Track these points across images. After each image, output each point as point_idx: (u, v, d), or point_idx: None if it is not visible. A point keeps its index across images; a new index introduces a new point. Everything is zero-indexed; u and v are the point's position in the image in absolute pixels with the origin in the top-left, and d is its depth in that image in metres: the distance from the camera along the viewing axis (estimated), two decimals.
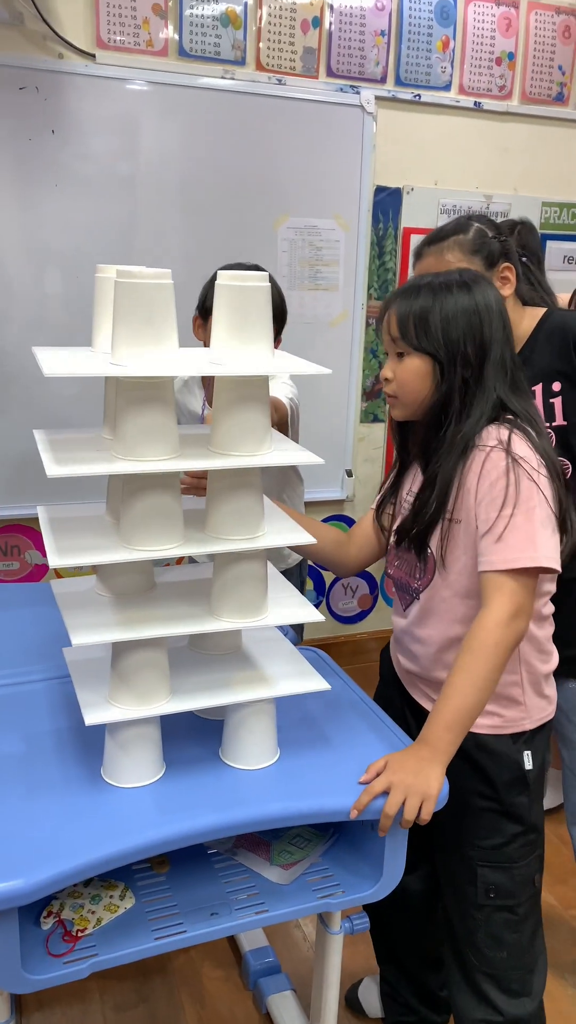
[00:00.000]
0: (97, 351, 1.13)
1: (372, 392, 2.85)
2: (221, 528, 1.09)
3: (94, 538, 1.09)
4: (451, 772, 1.15)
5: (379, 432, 2.91)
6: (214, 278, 1.74)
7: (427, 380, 1.22)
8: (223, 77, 2.45)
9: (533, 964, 1.35)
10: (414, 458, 1.35)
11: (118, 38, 2.33)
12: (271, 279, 1.69)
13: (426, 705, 1.36)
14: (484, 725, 1.28)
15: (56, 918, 1.11)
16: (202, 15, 2.39)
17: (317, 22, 2.51)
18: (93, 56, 2.32)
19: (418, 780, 1.10)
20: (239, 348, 1.03)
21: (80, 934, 1.10)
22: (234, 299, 1.03)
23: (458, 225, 1.54)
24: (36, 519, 2.58)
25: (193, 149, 2.45)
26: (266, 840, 1.29)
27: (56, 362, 1.02)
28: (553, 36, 2.76)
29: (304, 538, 1.12)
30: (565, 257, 2.95)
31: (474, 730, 1.25)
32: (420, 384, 1.22)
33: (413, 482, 1.34)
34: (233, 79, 2.46)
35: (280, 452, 1.09)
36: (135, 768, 1.12)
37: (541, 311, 1.59)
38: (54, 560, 1.00)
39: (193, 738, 1.23)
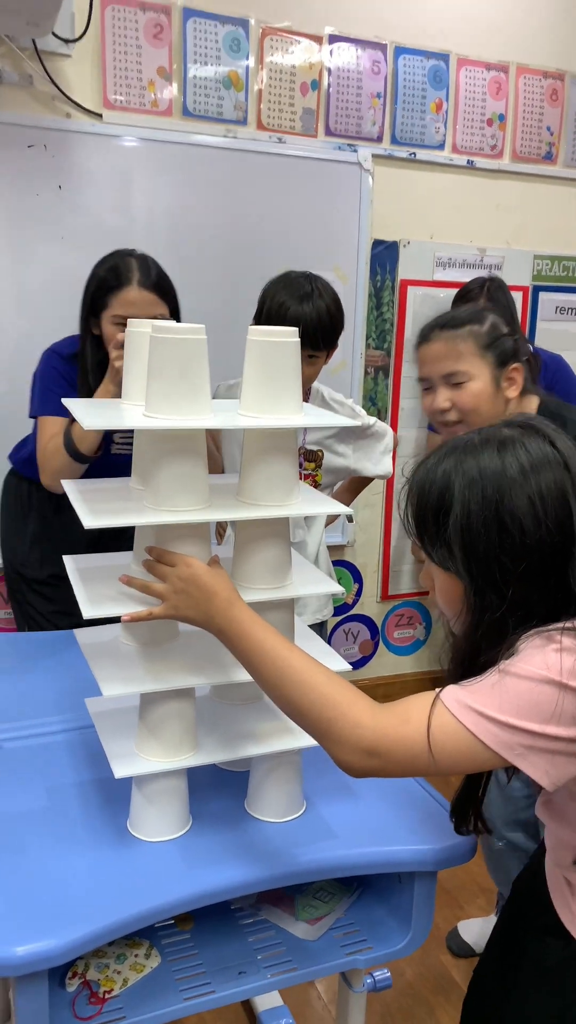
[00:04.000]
0: (127, 402, 1.14)
1: None
2: (248, 578, 1.10)
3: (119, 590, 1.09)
4: (540, 973, 1.05)
5: None
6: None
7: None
8: (225, 136, 2.52)
9: None
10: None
11: (124, 98, 2.40)
12: (329, 288, 1.75)
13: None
14: None
15: (81, 979, 1.08)
16: (205, 77, 2.47)
17: (316, 84, 2.60)
18: (100, 116, 2.39)
19: (181, 603, 0.99)
20: (269, 401, 1.05)
21: (107, 996, 1.07)
22: (264, 354, 1.05)
23: (473, 315, 1.49)
24: None
25: (196, 204, 2.51)
26: (289, 895, 1.27)
27: (93, 415, 1.03)
28: (541, 98, 2.87)
29: (331, 587, 1.13)
30: (557, 308, 3.03)
31: None
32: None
33: None
34: (235, 138, 2.53)
35: (308, 502, 1.10)
36: (162, 821, 1.10)
37: (535, 401, 1.53)
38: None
39: (217, 789, 1.22)
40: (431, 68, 2.71)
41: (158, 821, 1.10)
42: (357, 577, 3.01)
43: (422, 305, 2.83)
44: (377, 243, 2.76)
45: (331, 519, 2.12)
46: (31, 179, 2.33)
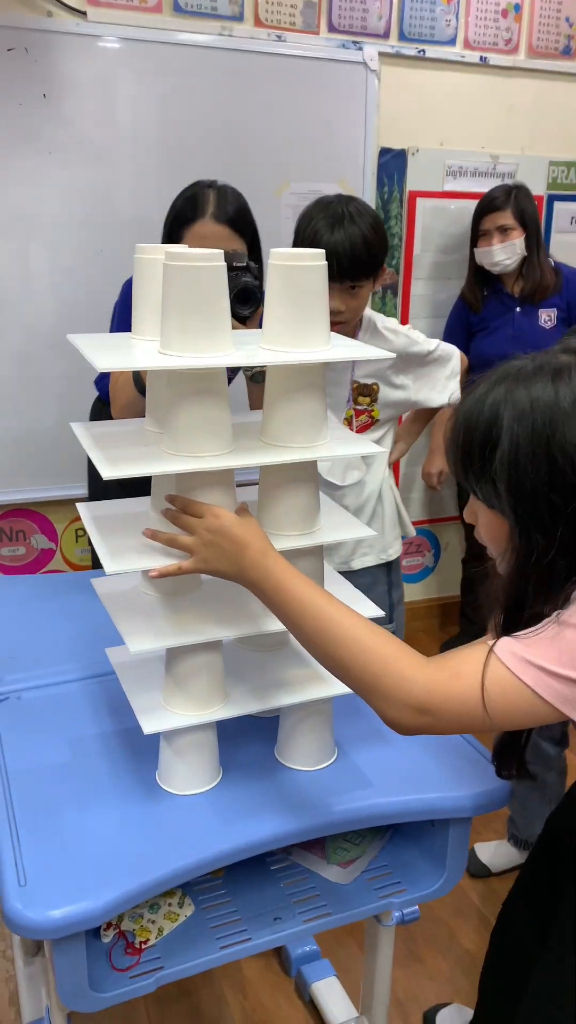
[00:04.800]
0: (140, 337, 1.06)
1: None
2: (276, 525, 1.04)
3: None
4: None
5: None
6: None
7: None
8: (221, 34, 2.33)
9: None
10: None
11: None
12: (367, 211, 1.61)
13: None
14: None
15: (116, 930, 1.07)
16: None
17: None
18: (84, 14, 2.20)
19: (212, 556, 0.94)
20: (294, 333, 0.97)
21: (143, 946, 1.06)
22: (288, 279, 0.96)
23: None
24: (41, 503, 2.52)
25: (190, 111, 2.34)
26: (320, 838, 1.26)
27: (105, 354, 0.95)
28: None
29: (362, 531, 1.07)
30: (573, 218, 2.88)
31: None
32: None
33: None
34: (231, 36, 2.34)
35: (340, 442, 1.03)
36: (193, 775, 1.07)
37: None
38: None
39: (246, 737, 1.19)
40: None
41: (189, 774, 1.07)
42: None
43: (433, 218, 2.69)
44: (384, 151, 2.59)
45: (396, 457, 1.99)
46: (12, 87, 2.16)
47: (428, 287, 2.76)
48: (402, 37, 2.53)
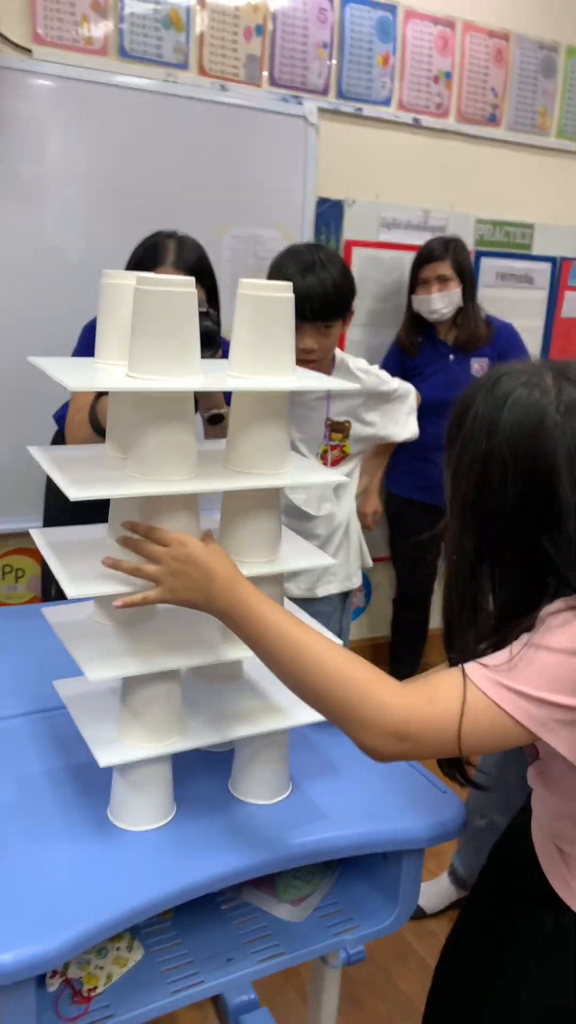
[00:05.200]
0: (104, 362, 1.05)
1: None
2: (238, 551, 1.03)
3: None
4: (534, 948, 1.03)
5: None
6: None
7: None
8: (165, 80, 2.38)
9: None
10: None
11: (55, 33, 2.22)
12: (336, 258, 1.72)
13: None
14: None
15: (63, 978, 1.02)
16: (143, 15, 2.31)
17: (260, 29, 2.48)
18: (29, 51, 2.21)
19: (179, 585, 0.92)
20: (261, 362, 0.98)
21: (91, 993, 1.01)
22: (256, 310, 0.98)
23: None
24: None
25: (135, 153, 2.37)
26: (270, 876, 1.23)
27: (74, 375, 0.94)
28: (487, 58, 2.83)
29: (323, 559, 1.08)
30: (498, 274, 3.02)
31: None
32: None
33: None
34: (175, 82, 2.39)
35: (302, 472, 1.04)
36: (147, 809, 1.04)
37: None
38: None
39: (199, 773, 1.16)
40: (378, 19, 2.63)
41: (143, 809, 1.04)
42: None
43: (368, 267, 2.77)
44: (322, 201, 2.68)
45: (361, 488, 2.12)
46: None
47: (364, 333, 2.83)
48: (340, 95, 2.63)
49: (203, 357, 1.36)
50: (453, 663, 0.90)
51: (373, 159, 2.73)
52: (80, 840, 1.01)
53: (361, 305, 2.82)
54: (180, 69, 2.40)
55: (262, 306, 0.98)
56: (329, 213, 2.70)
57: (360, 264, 2.78)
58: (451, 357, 2.57)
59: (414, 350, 2.62)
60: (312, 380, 1.04)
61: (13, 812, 1.05)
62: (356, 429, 1.87)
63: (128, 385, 0.91)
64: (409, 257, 2.65)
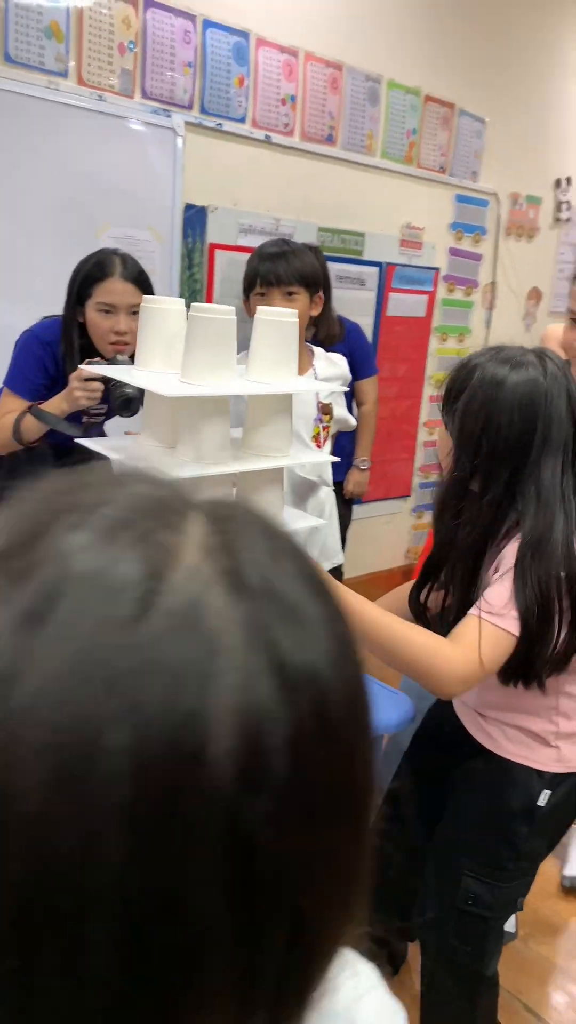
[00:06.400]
0: (146, 369, 1.29)
1: None
2: None
3: None
4: (470, 782, 1.36)
5: None
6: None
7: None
8: (47, 87, 2.52)
9: (486, 966, 1.43)
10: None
11: None
12: (316, 249, 2.32)
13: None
14: (514, 753, 1.34)
15: None
16: (27, 25, 2.44)
17: (133, 45, 2.68)
18: None
19: None
20: (275, 370, 1.28)
21: None
22: (271, 330, 1.27)
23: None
24: None
25: (20, 157, 2.50)
26: None
27: (168, 384, 1.19)
28: (325, 85, 3.21)
29: (316, 520, 1.40)
30: (337, 276, 3.43)
31: (504, 755, 1.34)
32: None
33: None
34: (57, 90, 2.54)
35: (302, 452, 1.35)
36: None
37: None
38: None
39: None
40: (234, 44, 2.91)
41: None
42: None
43: (229, 268, 3.07)
44: (189, 207, 2.93)
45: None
46: None
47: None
48: (203, 111, 2.90)
49: (125, 417, 1.69)
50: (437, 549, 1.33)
51: (231, 170, 3.03)
52: None
53: (225, 302, 3.11)
54: (61, 77, 2.55)
55: (273, 328, 1.27)
56: (195, 218, 2.96)
57: (222, 266, 3.07)
58: None
59: None
60: (307, 384, 1.36)
61: None
62: (335, 411, 2.22)
63: (232, 389, 1.18)
64: None
